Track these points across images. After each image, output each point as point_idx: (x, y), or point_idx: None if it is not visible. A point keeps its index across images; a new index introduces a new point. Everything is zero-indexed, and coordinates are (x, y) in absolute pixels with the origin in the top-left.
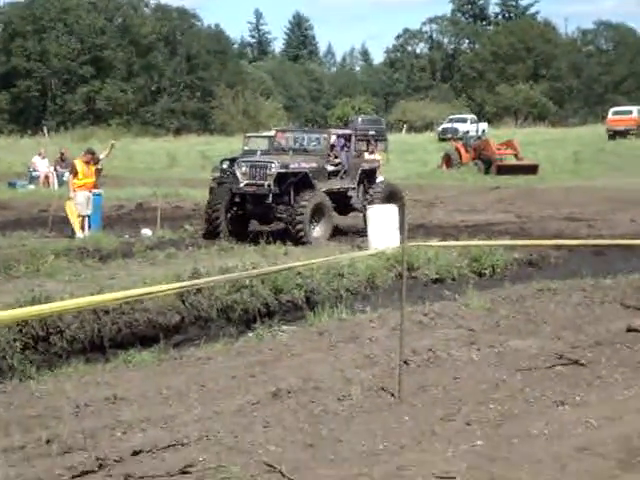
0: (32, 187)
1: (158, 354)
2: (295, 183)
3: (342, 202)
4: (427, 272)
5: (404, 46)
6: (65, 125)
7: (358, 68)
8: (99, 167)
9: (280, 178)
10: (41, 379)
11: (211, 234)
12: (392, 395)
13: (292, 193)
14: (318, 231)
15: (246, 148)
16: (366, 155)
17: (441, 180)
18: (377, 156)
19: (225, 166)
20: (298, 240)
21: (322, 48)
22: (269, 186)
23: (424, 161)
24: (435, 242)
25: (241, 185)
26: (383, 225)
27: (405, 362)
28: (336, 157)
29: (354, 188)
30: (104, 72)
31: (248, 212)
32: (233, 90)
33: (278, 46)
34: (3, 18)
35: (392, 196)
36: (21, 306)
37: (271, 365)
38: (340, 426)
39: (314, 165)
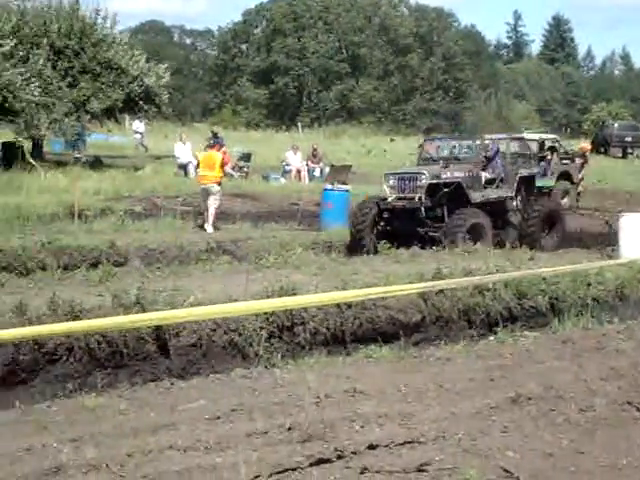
0: (284, 181)
1: (398, 351)
2: (448, 194)
3: (499, 214)
4: None
5: None
6: (319, 122)
7: (618, 72)
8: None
9: (432, 189)
10: (284, 368)
11: (354, 250)
12: (638, 410)
13: (445, 207)
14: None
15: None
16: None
17: None
18: None
19: None
20: None
21: (581, 51)
22: (420, 199)
23: None
24: None
25: (389, 199)
26: (637, 234)
27: None
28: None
29: (512, 197)
30: (359, 70)
31: (396, 229)
32: (486, 91)
33: (535, 48)
34: (266, 15)
35: (552, 215)
36: (269, 296)
37: (511, 370)
38: (582, 437)
39: (467, 174)
